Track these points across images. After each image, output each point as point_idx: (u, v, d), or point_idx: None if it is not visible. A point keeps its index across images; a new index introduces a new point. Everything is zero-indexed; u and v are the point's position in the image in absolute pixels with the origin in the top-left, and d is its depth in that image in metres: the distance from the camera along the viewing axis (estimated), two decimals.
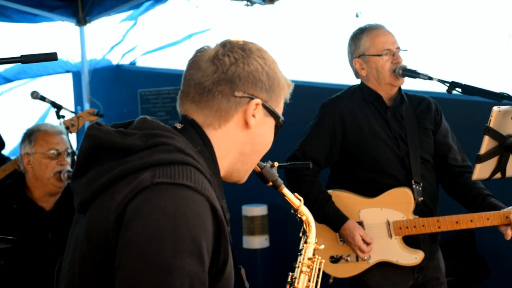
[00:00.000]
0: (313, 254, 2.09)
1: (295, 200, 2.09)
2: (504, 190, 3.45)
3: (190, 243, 1.45)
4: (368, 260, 3.36)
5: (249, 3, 5.56)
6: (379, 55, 3.36)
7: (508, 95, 2.82)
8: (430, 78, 3.21)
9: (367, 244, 3.31)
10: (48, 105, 5.62)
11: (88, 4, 6.41)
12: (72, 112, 4.93)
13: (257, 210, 5.66)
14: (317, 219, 3.34)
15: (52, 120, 5.75)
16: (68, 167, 3.46)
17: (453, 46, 5.08)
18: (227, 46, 1.75)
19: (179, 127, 1.72)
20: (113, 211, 1.49)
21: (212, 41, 1.81)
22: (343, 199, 3.39)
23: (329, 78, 5.49)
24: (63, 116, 4.84)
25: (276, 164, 2.01)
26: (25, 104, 6.22)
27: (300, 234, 2.12)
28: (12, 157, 5.04)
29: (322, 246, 2.11)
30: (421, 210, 3.34)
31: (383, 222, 3.35)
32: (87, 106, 6.57)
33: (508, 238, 3.13)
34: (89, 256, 1.55)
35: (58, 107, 4.78)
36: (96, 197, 1.56)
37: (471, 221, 3.20)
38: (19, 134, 5.82)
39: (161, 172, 1.51)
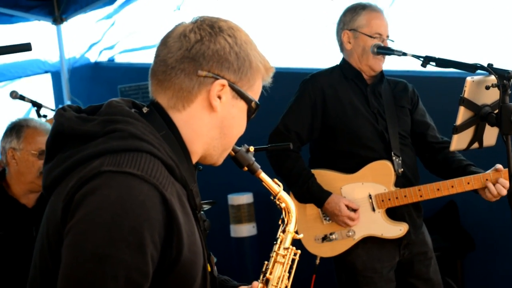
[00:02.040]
0: (290, 244, 1.99)
1: (274, 186, 1.97)
2: (485, 159, 3.49)
3: (129, 233, 1.42)
4: (353, 236, 3.39)
5: None
6: (370, 36, 3.39)
7: (481, 66, 2.85)
8: (405, 54, 3.26)
9: (354, 211, 3.35)
10: (28, 106, 5.60)
11: (63, 2, 6.38)
12: (52, 110, 4.91)
13: (243, 199, 5.68)
14: (301, 196, 3.39)
15: None
16: None
17: (432, 23, 5.10)
18: (197, 23, 1.68)
19: (145, 111, 1.67)
20: (62, 200, 1.49)
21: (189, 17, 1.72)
22: (324, 177, 3.42)
23: (305, 63, 5.49)
24: (45, 116, 4.82)
25: (252, 148, 1.91)
26: (5, 106, 6.18)
27: (279, 222, 2.01)
28: None
29: (301, 235, 2.04)
30: (402, 183, 3.39)
31: (365, 197, 3.39)
32: None
33: (491, 200, 3.20)
34: (47, 244, 1.56)
35: (38, 106, 4.76)
36: (57, 185, 1.57)
37: (452, 186, 3.25)
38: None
39: (109, 160, 1.49)
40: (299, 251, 2.00)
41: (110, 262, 1.41)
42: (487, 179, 3.18)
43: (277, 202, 1.99)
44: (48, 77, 7.13)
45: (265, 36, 5.55)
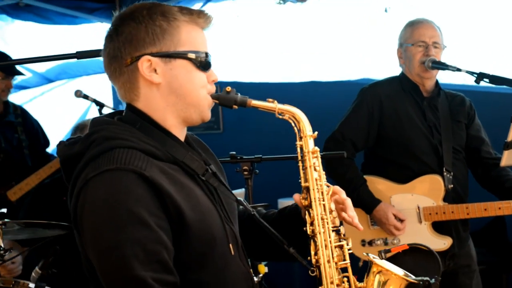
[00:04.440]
0: (314, 145, 1.94)
1: (269, 104, 1.91)
2: None
3: (127, 215, 1.63)
4: (397, 244, 3.46)
5: (281, 1, 5.63)
6: (413, 45, 3.48)
7: None
8: (459, 70, 3.33)
9: (401, 222, 3.42)
10: (88, 104, 5.78)
11: (125, 5, 6.50)
12: (113, 109, 5.04)
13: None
14: (351, 201, 3.47)
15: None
16: None
17: (485, 39, 5.10)
18: (112, 22, 1.86)
19: (123, 114, 1.86)
20: (72, 207, 1.75)
21: None
22: (375, 184, 3.50)
23: (359, 74, 5.53)
24: None
25: (229, 88, 1.89)
26: (65, 103, 6.37)
27: (295, 131, 1.94)
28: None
29: (316, 133, 1.94)
30: (452, 197, 3.44)
31: (413, 208, 3.46)
32: None
33: None
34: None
35: (101, 105, 4.88)
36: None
37: (499, 208, 3.31)
38: (61, 132, 5.95)
39: (92, 167, 1.71)
40: (318, 148, 1.94)
41: (124, 245, 1.62)
42: None
43: (281, 117, 1.93)
44: (107, 77, 7.29)
45: (324, 48, 5.62)
